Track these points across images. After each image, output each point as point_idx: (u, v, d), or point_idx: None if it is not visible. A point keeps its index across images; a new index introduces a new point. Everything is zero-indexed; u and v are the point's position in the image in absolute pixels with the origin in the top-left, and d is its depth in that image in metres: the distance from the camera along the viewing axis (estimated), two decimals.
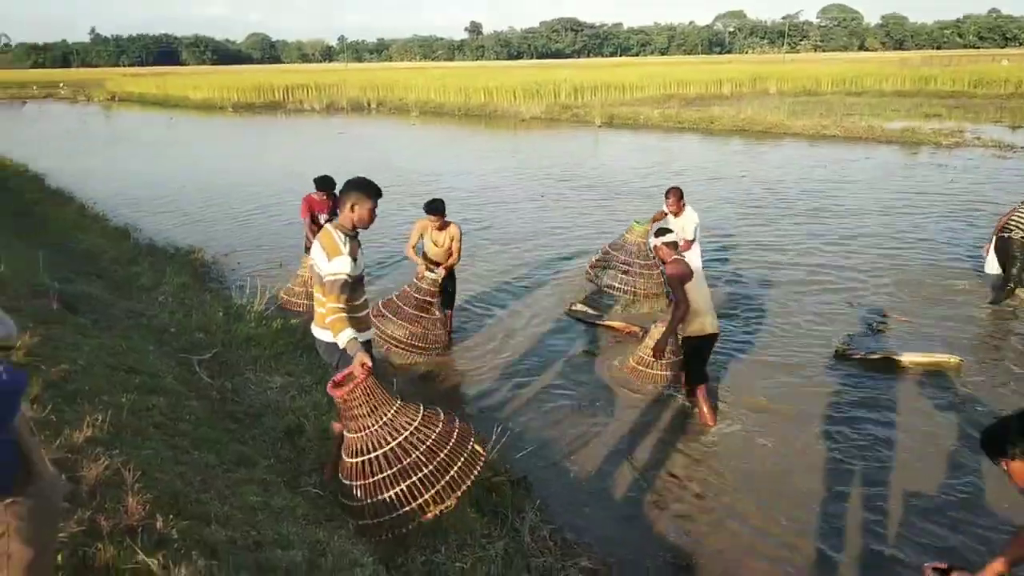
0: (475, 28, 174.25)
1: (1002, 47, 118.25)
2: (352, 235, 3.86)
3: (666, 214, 7.21)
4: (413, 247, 6.66)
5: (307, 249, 8.00)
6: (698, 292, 5.27)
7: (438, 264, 6.57)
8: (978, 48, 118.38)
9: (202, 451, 4.02)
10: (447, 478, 3.44)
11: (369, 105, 40.15)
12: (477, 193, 14.65)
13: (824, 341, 6.83)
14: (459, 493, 3.46)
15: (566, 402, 5.83)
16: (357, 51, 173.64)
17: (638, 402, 5.79)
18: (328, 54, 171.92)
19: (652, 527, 4.24)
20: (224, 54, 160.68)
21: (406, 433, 3.53)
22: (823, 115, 26.39)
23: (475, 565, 3.51)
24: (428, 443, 3.50)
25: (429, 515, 3.43)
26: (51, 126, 34.39)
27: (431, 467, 3.44)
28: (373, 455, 3.52)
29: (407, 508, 3.41)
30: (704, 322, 5.28)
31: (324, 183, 7.68)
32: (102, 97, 52.76)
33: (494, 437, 4.60)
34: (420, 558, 3.51)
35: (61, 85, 64.68)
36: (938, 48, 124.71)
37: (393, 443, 3.51)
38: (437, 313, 6.44)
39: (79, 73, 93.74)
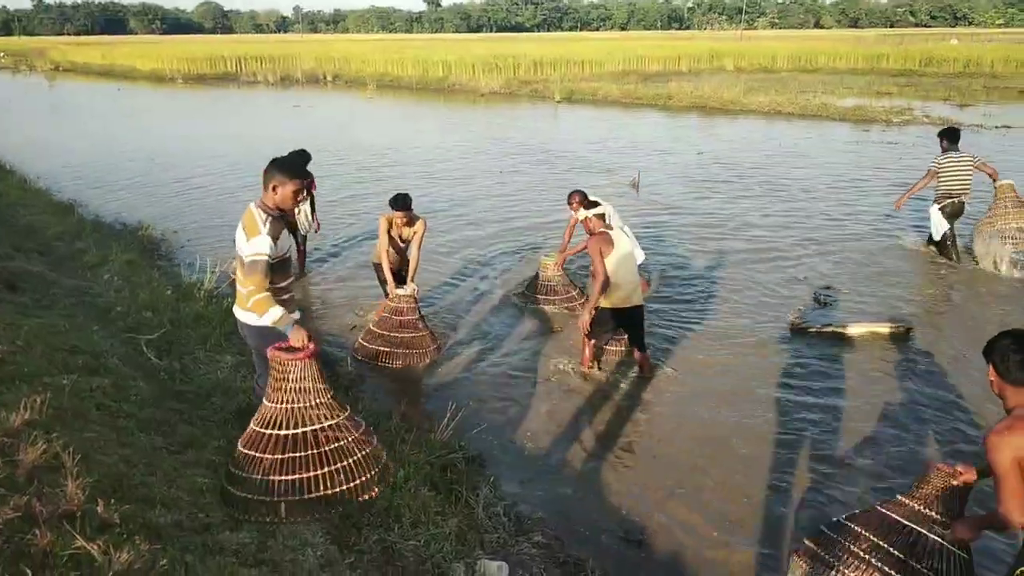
0: (434, 0, 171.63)
1: (952, 26, 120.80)
2: (275, 215, 3.75)
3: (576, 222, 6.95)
4: (387, 251, 6.17)
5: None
6: (620, 267, 5.45)
7: (397, 272, 6.24)
8: (929, 27, 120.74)
9: (148, 433, 3.94)
10: (335, 490, 3.41)
11: (325, 78, 39.33)
12: (433, 169, 14.50)
13: (776, 314, 6.97)
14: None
15: (520, 380, 5.84)
16: (312, 22, 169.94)
17: (591, 380, 5.83)
18: (283, 25, 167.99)
19: (604, 501, 4.29)
20: (174, 23, 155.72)
21: (322, 425, 3.47)
22: (778, 92, 26.65)
23: (428, 542, 3.52)
24: (336, 445, 3.46)
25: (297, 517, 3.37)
26: None
27: (327, 470, 3.40)
28: (283, 432, 3.45)
29: (287, 498, 3.36)
30: (622, 295, 5.49)
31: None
32: (45, 67, 50.75)
33: (448, 414, 4.60)
34: (373, 536, 3.50)
35: (2, 54, 62.05)
36: (891, 26, 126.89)
37: (307, 429, 3.45)
38: (422, 324, 6.06)
39: (20, 42, 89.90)
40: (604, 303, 5.52)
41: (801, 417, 5.19)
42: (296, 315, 4.00)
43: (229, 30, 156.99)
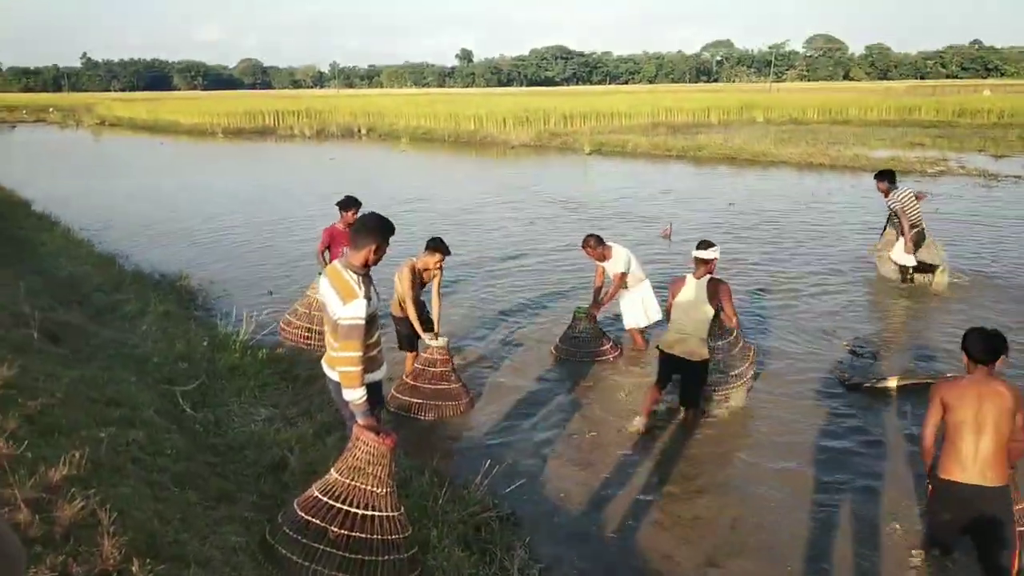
0: (466, 55, 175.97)
1: (984, 78, 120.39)
2: (364, 274, 3.73)
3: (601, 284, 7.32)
4: (412, 301, 6.07)
5: None
6: (675, 314, 5.70)
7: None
8: (960, 79, 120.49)
9: (182, 487, 3.92)
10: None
11: (359, 131, 40.28)
12: (465, 219, 14.63)
13: (815, 365, 6.81)
14: None
15: (555, 436, 5.74)
16: (348, 77, 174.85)
17: (631, 435, 5.71)
18: (319, 80, 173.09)
19: (643, 566, 4.15)
20: (215, 79, 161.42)
21: (384, 514, 3.51)
22: (810, 143, 26.64)
23: None
24: (391, 538, 3.49)
25: None
26: (40, 150, 34.29)
27: (383, 559, 3.43)
28: (353, 509, 3.46)
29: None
30: (666, 339, 5.74)
31: (351, 204, 7.33)
32: (91, 121, 52.70)
33: (482, 471, 4.52)
34: None
35: (51, 109, 64.63)
36: (922, 78, 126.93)
37: (376, 513, 3.49)
38: (455, 376, 6.13)
39: (69, 97, 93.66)
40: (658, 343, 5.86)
41: (842, 483, 5.01)
42: (382, 371, 4.02)
43: (268, 86, 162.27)
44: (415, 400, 5.99)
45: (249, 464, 4.69)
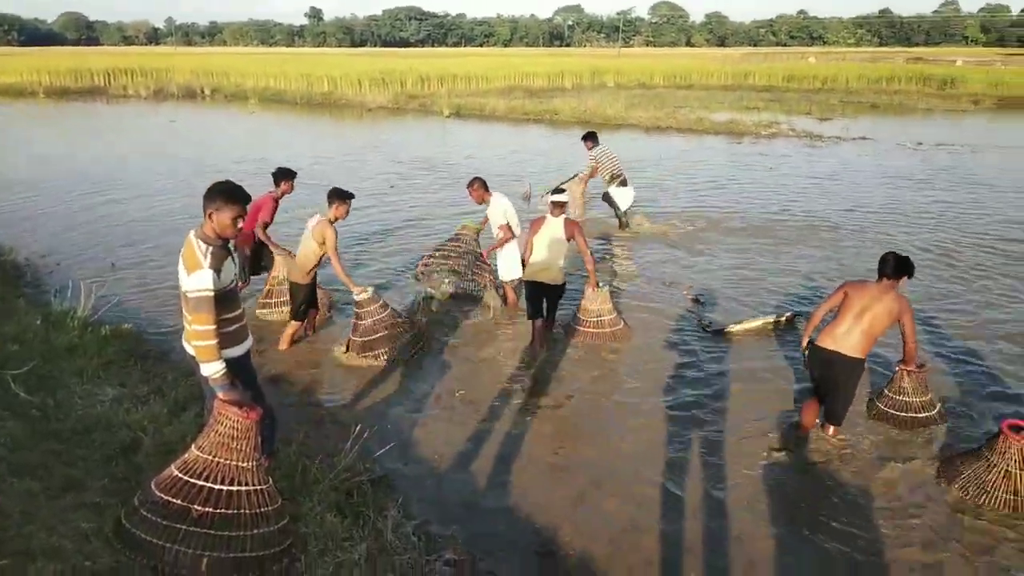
0: (315, 14, 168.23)
1: (809, 45, 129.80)
2: (217, 244, 3.57)
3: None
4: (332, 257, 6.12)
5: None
6: (538, 248, 6.40)
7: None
8: (788, 46, 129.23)
9: (21, 478, 3.63)
10: (254, 554, 3.30)
11: (203, 92, 37.72)
12: (323, 180, 14.14)
13: (668, 314, 7.24)
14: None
15: (429, 395, 5.78)
16: (187, 34, 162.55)
17: (497, 391, 5.85)
18: (154, 37, 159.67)
19: (514, 515, 4.29)
20: (33, 34, 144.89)
21: (250, 488, 3.37)
22: (657, 107, 27.83)
23: (337, 570, 3.42)
24: (258, 511, 3.36)
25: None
26: None
27: (249, 533, 3.31)
28: (217, 486, 3.32)
29: (213, 554, 3.23)
30: (531, 270, 6.49)
31: (285, 175, 7.13)
32: None
33: (352, 436, 4.49)
34: (275, 567, 3.36)
35: None
36: (755, 46, 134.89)
37: (241, 488, 3.35)
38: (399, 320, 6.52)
39: None
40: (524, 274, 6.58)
41: (706, 417, 5.40)
42: (246, 344, 3.86)
43: (95, 42, 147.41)
44: (376, 342, 6.30)
45: (97, 448, 4.41)
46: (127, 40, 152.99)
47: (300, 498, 3.98)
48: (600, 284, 6.92)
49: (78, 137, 21.71)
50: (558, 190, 6.70)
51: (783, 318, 7.19)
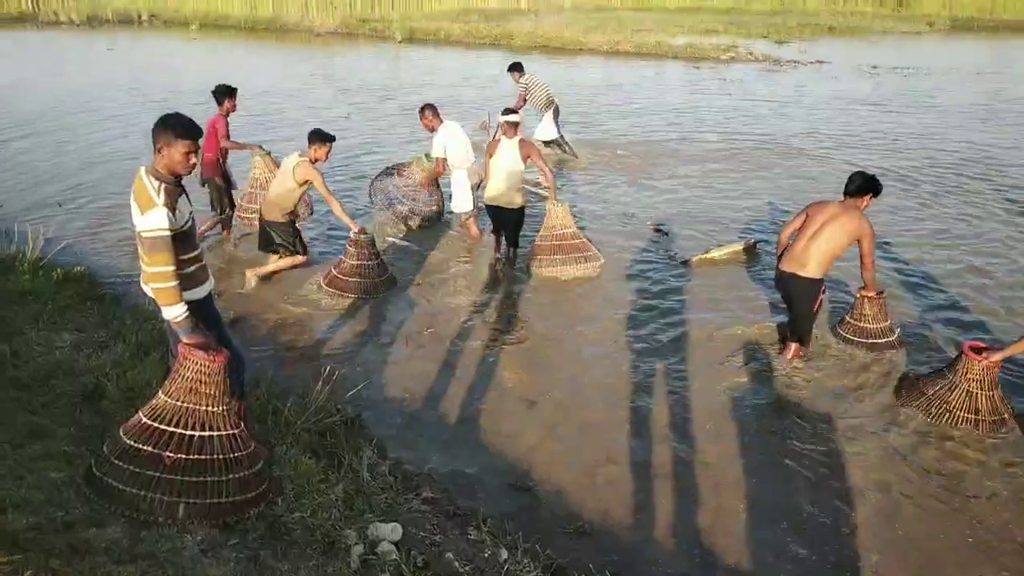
0: None
1: None
2: (170, 182, 3.38)
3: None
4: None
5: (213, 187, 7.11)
6: (494, 172, 6.54)
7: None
8: None
9: None
10: (231, 499, 3.27)
11: (139, 17, 35.70)
12: (279, 112, 13.69)
13: (637, 248, 7.27)
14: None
15: (397, 334, 5.75)
16: None
17: (466, 327, 5.85)
18: None
19: (488, 450, 4.34)
20: None
21: (222, 433, 3.31)
22: (615, 31, 27.30)
23: (315, 512, 3.43)
24: (222, 455, 3.29)
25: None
26: None
27: (225, 478, 3.26)
28: (188, 432, 3.26)
29: (187, 500, 3.20)
30: (489, 193, 6.64)
31: (226, 92, 6.89)
32: None
33: (323, 377, 4.46)
34: (254, 511, 3.36)
35: None
36: None
37: (213, 433, 3.29)
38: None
39: None
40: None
41: (671, 347, 5.49)
42: (207, 286, 3.71)
43: None
44: (362, 281, 6.29)
45: (60, 395, 4.29)
46: None
47: (274, 441, 3.96)
48: (560, 200, 6.95)
49: (8, 68, 20.47)
50: (509, 110, 6.71)
51: (745, 246, 7.27)
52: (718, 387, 5.00)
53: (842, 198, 4.97)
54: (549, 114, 10.53)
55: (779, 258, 5.15)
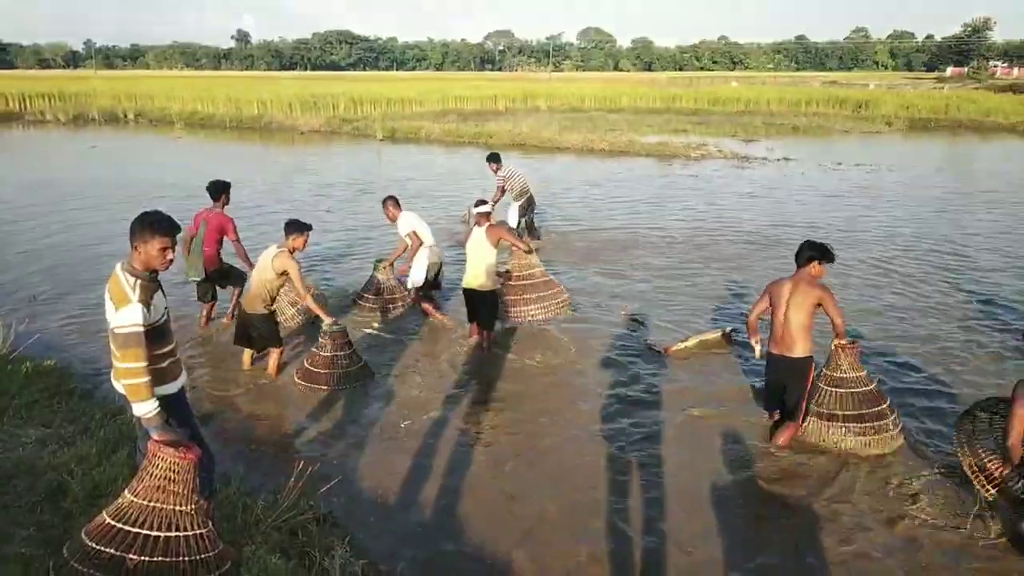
0: (242, 37, 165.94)
1: (731, 69, 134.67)
2: (145, 278, 3.43)
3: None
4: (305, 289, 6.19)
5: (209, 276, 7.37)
6: (469, 257, 6.93)
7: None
8: (711, 70, 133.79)
9: None
10: None
11: (125, 116, 36.52)
12: (263, 207, 13.85)
13: (602, 335, 7.30)
14: None
15: (372, 427, 5.66)
16: (108, 57, 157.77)
17: (442, 419, 5.77)
18: (72, 60, 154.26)
19: (466, 547, 4.21)
20: None
21: (188, 533, 3.20)
22: (590, 131, 28.31)
23: None
24: (188, 557, 3.18)
25: None
26: None
27: None
28: (153, 532, 3.15)
29: None
30: (465, 280, 7.02)
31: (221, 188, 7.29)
32: None
33: (295, 473, 4.35)
34: None
35: None
36: (680, 69, 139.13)
37: (179, 534, 3.18)
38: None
39: None
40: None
41: (653, 441, 5.44)
42: (180, 381, 3.70)
43: (9, 65, 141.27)
44: (333, 372, 6.23)
45: (21, 494, 4.15)
46: (43, 63, 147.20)
47: (242, 540, 3.82)
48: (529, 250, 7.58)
49: None
50: (480, 202, 7.19)
51: (721, 334, 7.35)
52: (703, 478, 4.93)
53: (794, 271, 5.19)
54: (517, 204, 11.05)
55: (753, 339, 5.42)
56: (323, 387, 6.21)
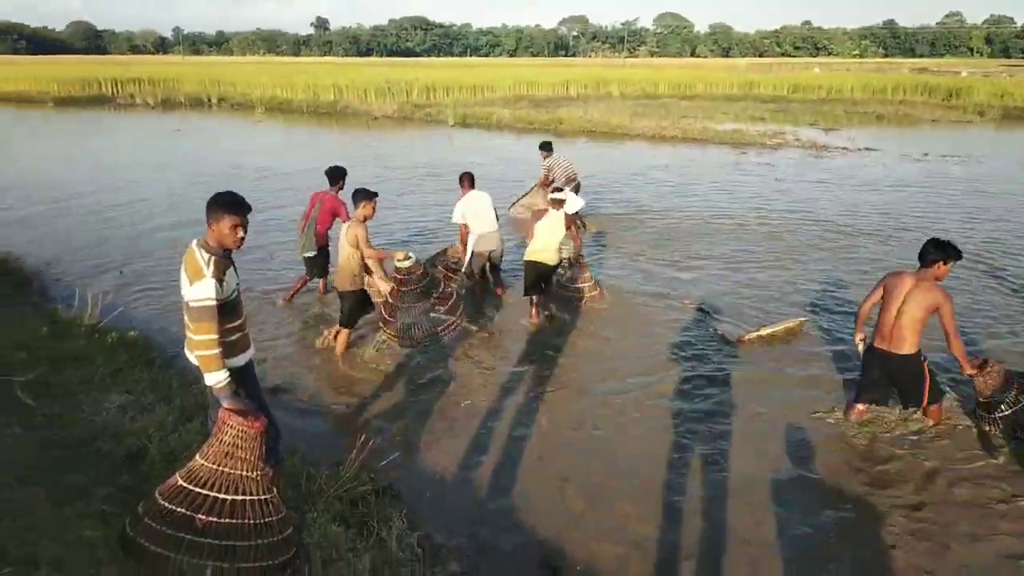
0: (321, 23, 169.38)
1: (814, 56, 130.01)
2: (219, 254, 3.58)
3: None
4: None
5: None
6: (541, 235, 7.36)
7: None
8: (793, 57, 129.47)
9: (25, 485, 3.63)
10: (258, 564, 3.27)
11: (209, 101, 37.95)
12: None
13: (669, 320, 7.22)
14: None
15: (432, 406, 5.77)
16: (194, 43, 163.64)
17: (502, 399, 5.84)
18: (161, 46, 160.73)
19: (519, 525, 4.27)
20: (41, 43, 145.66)
21: (256, 498, 3.35)
22: (662, 117, 27.87)
23: None
24: (264, 520, 3.34)
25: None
26: None
27: (254, 543, 3.28)
28: (223, 495, 3.31)
29: (220, 563, 3.21)
30: (536, 254, 7.40)
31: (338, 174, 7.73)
32: None
33: (357, 447, 4.48)
34: None
35: None
36: (760, 55, 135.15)
37: (246, 497, 3.33)
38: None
39: None
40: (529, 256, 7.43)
41: (714, 424, 5.37)
42: (248, 354, 3.84)
43: (103, 51, 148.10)
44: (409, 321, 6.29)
45: (103, 456, 4.41)
46: (134, 49, 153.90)
47: (305, 508, 3.97)
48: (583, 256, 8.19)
49: (85, 144, 21.81)
50: (557, 189, 7.73)
51: (795, 324, 7.21)
52: (764, 468, 4.85)
53: (917, 267, 5.01)
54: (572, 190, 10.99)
55: (859, 330, 5.33)
56: (416, 342, 6.36)
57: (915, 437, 5.24)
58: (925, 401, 5.16)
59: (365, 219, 6.28)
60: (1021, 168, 18.18)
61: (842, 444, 5.19)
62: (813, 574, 3.90)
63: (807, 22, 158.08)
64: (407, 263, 6.33)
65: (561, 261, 7.74)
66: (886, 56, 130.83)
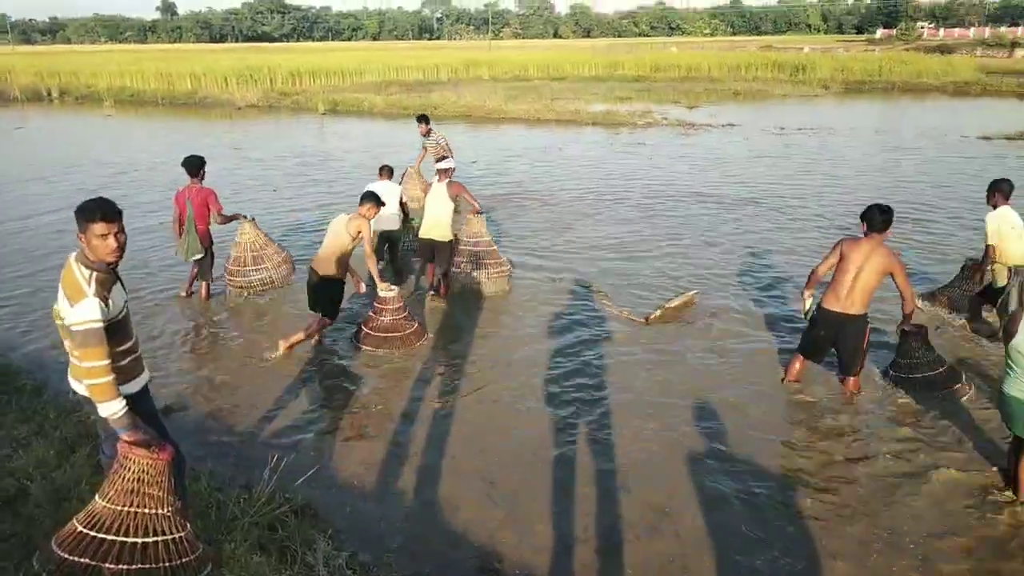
0: (168, 7, 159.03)
1: (669, 36, 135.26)
2: (101, 269, 3.16)
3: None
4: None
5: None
6: (428, 209, 7.56)
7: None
8: (650, 37, 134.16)
9: None
10: None
11: (49, 94, 34.79)
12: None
13: (566, 305, 7.30)
14: None
15: (344, 414, 5.53)
16: (24, 32, 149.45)
17: (415, 398, 5.70)
18: None
19: (450, 533, 4.16)
20: None
21: (166, 538, 3.07)
22: (535, 100, 28.13)
23: None
24: (168, 561, 3.05)
25: None
26: None
27: None
28: (130, 539, 3.01)
29: None
30: (422, 229, 7.61)
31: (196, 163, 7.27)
32: None
33: (269, 466, 4.23)
34: None
35: None
36: (619, 36, 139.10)
37: (155, 539, 3.04)
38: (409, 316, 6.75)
39: None
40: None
41: (633, 407, 5.46)
42: (142, 379, 3.47)
43: None
44: (388, 335, 6.52)
45: None
46: None
47: (220, 539, 3.70)
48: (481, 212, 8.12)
49: None
50: (441, 158, 7.98)
51: (688, 297, 7.47)
52: (680, 449, 4.98)
53: (865, 232, 5.22)
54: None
55: (808, 291, 5.54)
56: (385, 350, 6.48)
57: (835, 404, 5.54)
58: (861, 365, 5.48)
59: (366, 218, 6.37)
60: (873, 135, 19.70)
61: (760, 412, 5.41)
62: (745, 552, 4.03)
63: (660, 2, 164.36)
64: (390, 294, 6.62)
65: (451, 238, 7.61)
66: (734, 34, 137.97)
